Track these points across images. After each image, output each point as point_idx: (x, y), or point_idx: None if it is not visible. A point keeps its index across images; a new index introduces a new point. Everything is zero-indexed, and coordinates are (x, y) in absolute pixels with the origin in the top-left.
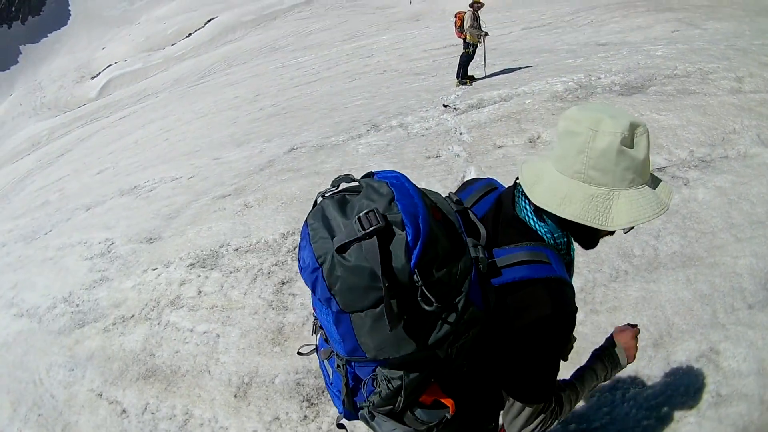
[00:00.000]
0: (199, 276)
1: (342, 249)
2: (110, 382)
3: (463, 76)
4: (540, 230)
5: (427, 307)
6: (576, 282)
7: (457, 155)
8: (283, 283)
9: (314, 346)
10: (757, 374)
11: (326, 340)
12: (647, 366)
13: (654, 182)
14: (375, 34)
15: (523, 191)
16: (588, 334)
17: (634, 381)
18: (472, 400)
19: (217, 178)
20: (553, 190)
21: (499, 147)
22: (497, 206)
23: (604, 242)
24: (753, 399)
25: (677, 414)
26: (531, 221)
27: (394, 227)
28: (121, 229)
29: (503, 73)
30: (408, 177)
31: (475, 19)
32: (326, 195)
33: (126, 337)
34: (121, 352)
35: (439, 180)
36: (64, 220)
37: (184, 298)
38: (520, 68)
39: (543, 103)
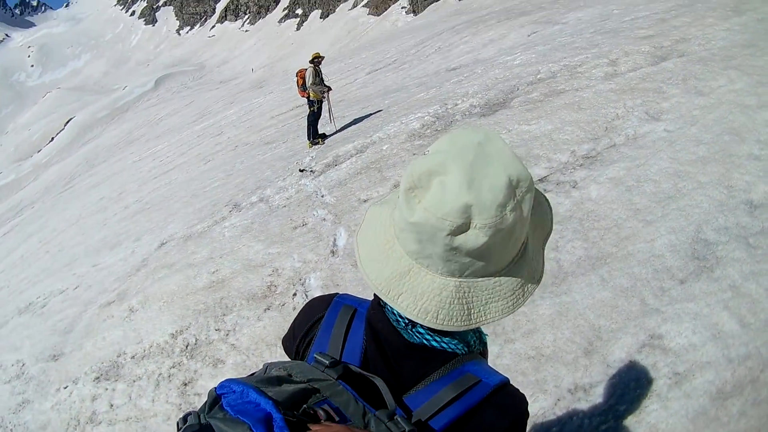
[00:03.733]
0: (107, 389)
1: None
2: None
3: (314, 136)
4: (449, 347)
5: None
6: None
7: (324, 219)
8: (185, 384)
9: None
10: (714, 339)
11: None
12: (584, 375)
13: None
14: (222, 109)
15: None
16: (509, 365)
17: (575, 394)
18: None
19: (99, 286)
20: (445, 301)
21: (365, 201)
22: (374, 338)
23: None
24: (718, 362)
25: (636, 407)
26: (434, 343)
27: None
28: (27, 349)
29: (354, 124)
30: (260, 387)
31: (317, 74)
32: None
33: None
34: None
35: (311, 249)
36: None
37: (99, 413)
38: (370, 114)
39: (401, 145)
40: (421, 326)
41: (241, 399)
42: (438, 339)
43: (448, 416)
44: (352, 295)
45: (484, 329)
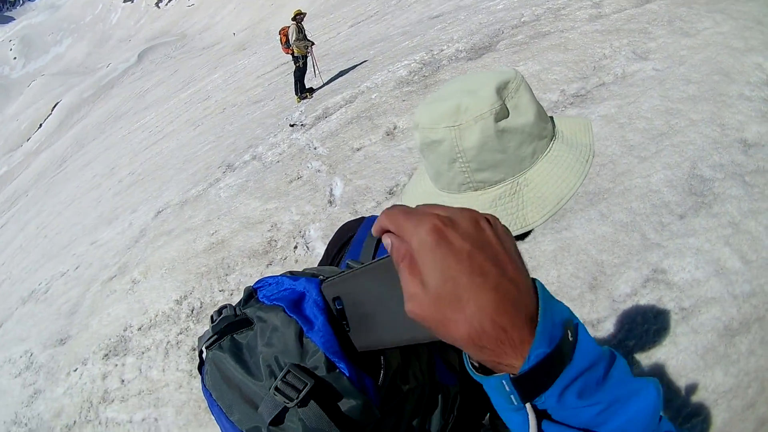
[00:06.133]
0: (116, 365)
1: (276, 421)
2: None
3: (302, 91)
4: None
5: None
6: None
7: (318, 170)
8: (195, 350)
9: None
10: (717, 274)
11: None
12: (591, 311)
13: (559, 126)
14: (207, 74)
15: None
16: None
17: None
18: None
19: (99, 262)
20: None
21: (358, 149)
22: None
23: None
24: (723, 299)
25: (645, 343)
26: None
27: (322, 374)
28: (33, 337)
29: (341, 76)
30: (299, 278)
31: (300, 30)
32: (210, 344)
33: None
34: None
35: (308, 201)
36: None
37: (111, 390)
38: (357, 65)
39: (390, 92)
40: None
41: (276, 290)
42: None
43: None
44: None
45: None
